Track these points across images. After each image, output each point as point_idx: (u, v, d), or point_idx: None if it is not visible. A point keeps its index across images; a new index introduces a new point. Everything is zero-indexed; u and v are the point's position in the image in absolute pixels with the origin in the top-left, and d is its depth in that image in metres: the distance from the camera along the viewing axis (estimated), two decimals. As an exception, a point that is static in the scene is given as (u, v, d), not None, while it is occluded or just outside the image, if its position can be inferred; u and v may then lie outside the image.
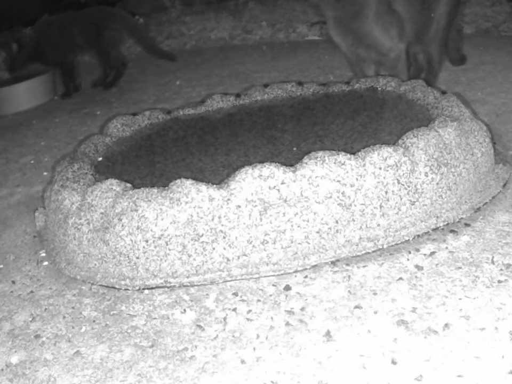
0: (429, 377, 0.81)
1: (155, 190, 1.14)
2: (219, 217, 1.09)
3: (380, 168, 1.11)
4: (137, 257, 1.13)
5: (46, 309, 1.15)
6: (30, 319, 1.13)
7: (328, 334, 0.93)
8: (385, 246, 1.12)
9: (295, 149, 1.38)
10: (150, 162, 1.47)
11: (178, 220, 1.10)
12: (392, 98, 1.60)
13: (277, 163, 1.12)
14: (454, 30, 2.13)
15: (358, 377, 0.83)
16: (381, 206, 1.11)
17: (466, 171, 1.21)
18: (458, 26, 2.29)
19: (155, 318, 1.06)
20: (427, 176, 1.14)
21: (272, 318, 1.00)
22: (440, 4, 1.87)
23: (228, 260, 1.11)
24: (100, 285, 1.18)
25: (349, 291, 1.03)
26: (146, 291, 1.14)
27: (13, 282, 1.28)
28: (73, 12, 3.10)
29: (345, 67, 2.25)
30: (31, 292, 1.23)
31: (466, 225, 1.18)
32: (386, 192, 1.11)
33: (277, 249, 1.11)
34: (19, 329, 1.10)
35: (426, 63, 1.98)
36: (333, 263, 1.11)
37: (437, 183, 1.15)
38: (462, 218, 1.18)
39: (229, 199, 1.09)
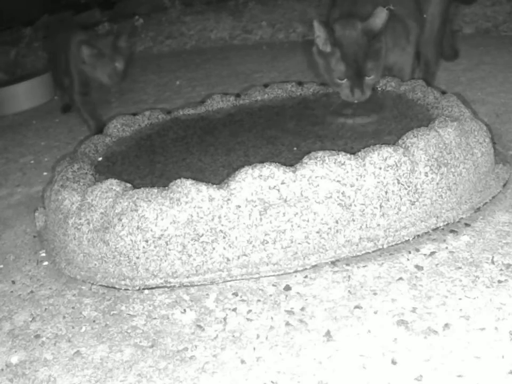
0: (429, 377, 0.81)
1: (155, 190, 1.14)
2: (219, 217, 1.09)
3: (380, 168, 1.11)
4: (137, 257, 1.13)
5: (46, 309, 1.15)
6: (30, 319, 1.13)
7: (328, 334, 0.93)
8: (385, 246, 1.12)
9: (295, 149, 1.38)
10: (150, 162, 1.47)
11: (178, 220, 1.10)
12: (392, 98, 1.60)
13: (277, 163, 1.12)
14: (448, 29, 2.13)
15: (358, 377, 0.83)
16: (381, 206, 1.11)
17: (466, 171, 1.21)
18: (456, 26, 2.28)
19: (155, 318, 1.06)
20: (427, 176, 1.14)
21: (272, 318, 1.00)
22: (431, 4, 1.87)
23: (228, 260, 1.11)
24: (100, 285, 1.18)
25: (349, 291, 1.03)
26: (146, 291, 1.14)
27: (13, 282, 1.28)
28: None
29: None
30: (31, 291, 1.23)
31: (466, 225, 1.18)
32: (386, 192, 1.11)
33: (277, 249, 1.11)
34: (19, 329, 1.10)
35: (423, 63, 1.98)
36: (333, 263, 1.11)
37: (437, 183, 1.15)
38: (462, 218, 1.18)
39: (229, 199, 1.09)
